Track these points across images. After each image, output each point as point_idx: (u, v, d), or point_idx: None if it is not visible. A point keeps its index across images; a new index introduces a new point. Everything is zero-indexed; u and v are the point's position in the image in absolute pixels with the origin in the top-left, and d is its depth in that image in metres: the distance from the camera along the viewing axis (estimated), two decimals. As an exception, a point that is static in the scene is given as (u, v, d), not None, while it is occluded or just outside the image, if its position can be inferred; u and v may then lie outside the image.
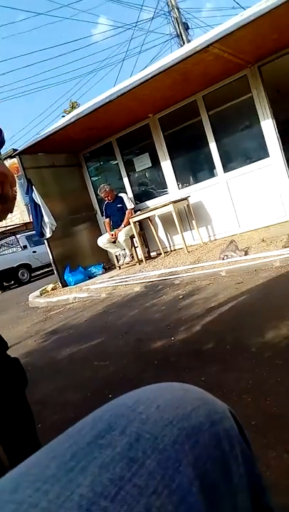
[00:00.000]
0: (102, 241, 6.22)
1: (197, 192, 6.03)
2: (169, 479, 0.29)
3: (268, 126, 5.33)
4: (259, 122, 5.40)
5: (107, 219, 6.35)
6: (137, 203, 6.55)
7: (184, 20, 12.15)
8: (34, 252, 12.12)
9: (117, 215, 6.22)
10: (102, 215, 7.08)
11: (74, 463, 0.29)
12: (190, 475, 0.30)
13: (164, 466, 0.30)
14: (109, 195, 6.22)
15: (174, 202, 5.58)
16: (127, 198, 6.31)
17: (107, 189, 6.19)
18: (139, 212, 6.09)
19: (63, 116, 9.02)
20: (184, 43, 11.59)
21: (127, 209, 6.19)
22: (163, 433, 0.32)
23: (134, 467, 0.29)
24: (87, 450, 0.30)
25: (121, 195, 6.35)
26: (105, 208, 6.40)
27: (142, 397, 0.36)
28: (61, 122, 5.70)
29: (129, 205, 6.23)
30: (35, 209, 6.00)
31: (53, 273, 6.70)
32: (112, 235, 6.19)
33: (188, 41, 11.11)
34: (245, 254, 4.06)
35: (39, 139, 5.87)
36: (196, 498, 0.30)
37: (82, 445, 0.31)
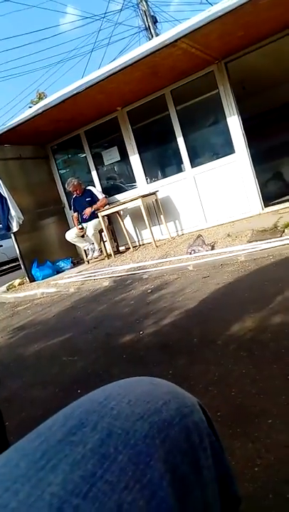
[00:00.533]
0: (71, 235, 6.16)
1: (165, 187, 6.07)
2: (140, 474, 0.29)
3: (234, 123, 5.42)
4: (225, 118, 5.48)
5: (75, 213, 6.29)
6: (105, 197, 6.53)
7: (152, 14, 12.11)
8: (0, 246, 11.83)
9: (84, 209, 6.16)
10: (70, 209, 7.00)
11: (44, 461, 0.28)
12: (161, 469, 0.30)
13: (135, 461, 0.30)
14: (78, 189, 6.16)
15: (143, 196, 5.59)
16: (96, 190, 6.26)
17: (75, 183, 6.11)
18: (107, 207, 6.07)
19: (30, 107, 8.83)
20: (152, 37, 11.55)
21: (97, 200, 6.14)
22: (134, 428, 0.32)
23: (105, 463, 0.29)
24: (58, 448, 0.29)
25: (89, 188, 6.29)
26: (73, 202, 6.33)
27: (113, 392, 0.36)
28: (28, 113, 5.56)
29: (101, 195, 6.19)
30: (1, 202, 5.85)
31: (20, 268, 6.57)
32: (81, 229, 6.14)
33: (157, 35, 11.08)
34: (212, 248, 4.13)
35: (5, 129, 5.72)
36: (166, 492, 0.30)
37: (53, 443, 0.30)
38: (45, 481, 0.26)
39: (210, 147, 5.97)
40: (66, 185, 6.27)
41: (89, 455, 0.29)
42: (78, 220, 6.27)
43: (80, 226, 6.16)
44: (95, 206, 6.04)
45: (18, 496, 0.25)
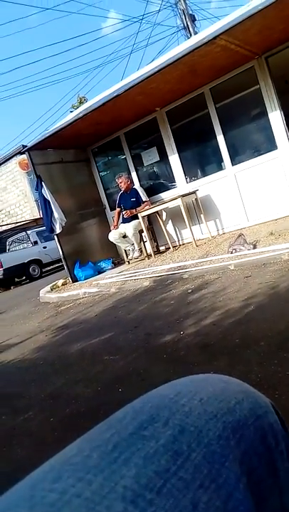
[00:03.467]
0: (114, 236, 6.23)
1: (205, 185, 6.01)
2: (215, 474, 0.28)
3: (276, 118, 5.28)
4: (267, 114, 5.35)
5: (119, 208, 6.34)
6: (148, 200, 6.56)
7: (190, 12, 12.03)
8: (45, 247, 12.19)
9: (129, 208, 6.21)
10: (111, 210, 7.10)
11: (117, 454, 0.28)
12: (237, 471, 0.29)
13: (210, 461, 0.29)
14: (126, 185, 6.23)
15: (182, 196, 5.57)
16: (142, 191, 6.31)
17: (125, 177, 6.19)
18: (147, 207, 6.09)
19: (71, 111, 9.04)
20: (190, 35, 11.48)
21: (142, 202, 6.19)
22: (207, 427, 0.31)
23: (179, 460, 0.28)
24: (130, 441, 0.29)
25: (136, 187, 6.35)
26: (119, 198, 6.39)
27: (184, 389, 0.35)
28: (69, 117, 5.71)
29: (145, 197, 6.24)
30: (45, 205, 6.05)
31: (64, 268, 6.75)
32: (115, 226, 6.23)
33: (196, 33, 11.00)
34: (254, 247, 4.05)
35: (48, 134, 5.90)
36: (244, 495, 0.29)
37: (125, 436, 0.30)
38: (118, 474, 0.26)
39: (251, 144, 5.84)
40: (116, 179, 6.34)
41: (162, 450, 0.28)
42: (118, 218, 6.33)
43: (115, 225, 6.25)
44: (138, 209, 6.08)
45: (91, 486, 0.25)
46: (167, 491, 0.26)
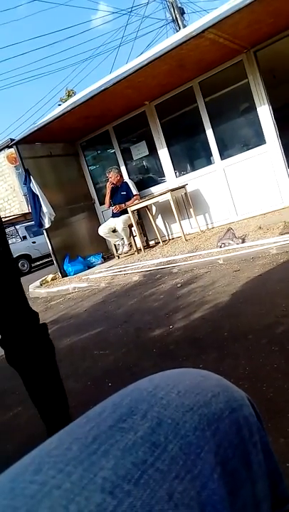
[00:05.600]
0: (104, 230, 6.22)
1: (194, 180, 6.02)
2: (191, 465, 0.29)
3: (265, 113, 5.30)
4: (255, 108, 5.36)
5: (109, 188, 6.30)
6: (138, 195, 6.55)
7: (179, 5, 11.96)
8: (34, 242, 12.12)
9: (118, 202, 6.19)
10: (101, 205, 7.07)
11: (96, 446, 0.29)
12: (212, 462, 0.30)
13: (186, 452, 0.29)
14: (116, 179, 6.20)
15: (172, 190, 5.57)
16: (132, 185, 6.29)
17: (116, 171, 6.17)
18: (136, 201, 6.09)
19: (60, 104, 8.96)
20: (179, 28, 11.42)
21: (132, 196, 6.18)
22: (184, 419, 0.32)
23: (156, 452, 0.29)
24: (109, 433, 0.30)
25: (127, 181, 6.33)
26: (110, 191, 6.37)
27: (161, 382, 0.36)
28: (58, 111, 5.66)
29: (135, 191, 6.23)
30: (33, 199, 5.99)
31: (53, 263, 6.72)
32: (108, 203, 6.23)
33: (184, 26, 10.95)
34: (243, 241, 4.07)
35: (36, 128, 5.84)
36: (217, 485, 0.30)
37: (104, 428, 0.30)
38: (97, 465, 0.27)
39: (240, 138, 5.86)
40: (106, 173, 6.31)
41: (140, 442, 0.29)
42: (110, 202, 6.29)
43: (109, 200, 6.26)
44: (127, 203, 6.07)
45: (71, 477, 0.26)
46: (144, 481, 0.27)
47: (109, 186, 6.27)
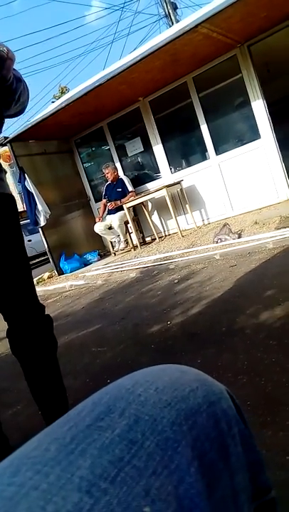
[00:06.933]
0: (99, 227, 6.20)
1: (190, 176, 6.01)
2: (168, 460, 0.29)
3: (259, 107, 5.29)
4: (250, 103, 5.36)
5: (105, 200, 6.30)
6: (134, 191, 6.54)
7: (172, 0, 11.90)
8: (29, 240, 12.06)
9: (114, 199, 6.17)
10: (96, 202, 7.06)
11: (74, 445, 0.29)
12: (189, 455, 0.30)
13: (162, 447, 0.30)
14: (112, 176, 6.18)
15: (167, 186, 5.56)
16: (128, 181, 6.27)
17: (112, 167, 6.15)
18: (132, 198, 6.07)
19: (53, 101, 8.90)
20: (172, 24, 11.37)
21: (128, 192, 6.16)
22: (161, 415, 0.32)
23: (133, 449, 0.29)
24: (87, 432, 0.30)
25: (122, 177, 6.31)
26: (106, 189, 6.36)
27: (141, 379, 0.36)
28: (51, 108, 5.62)
29: (131, 188, 6.21)
30: (28, 197, 5.96)
31: (49, 261, 6.71)
32: (99, 218, 6.21)
33: (177, 21, 10.90)
34: (239, 237, 4.08)
35: (30, 125, 5.80)
36: (195, 478, 0.30)
37: (82, 428, 0.31)
38: (74, 465, 0.27)
39: (234, 133, 5.86)
40: (103, 168, 6.30)
41: (117, 440, 0.29)
42: (104, 209, 6.29)
43: (100, 216, 6.23)
44: (123, 200, 6.05)
45: (48, 478, 0.26)
46: (121, 479, 0.27)
47: (104, 203, 6.29)
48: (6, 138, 6.17)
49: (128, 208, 5.89)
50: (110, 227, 6.16)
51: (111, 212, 6.16)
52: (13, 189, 16.09)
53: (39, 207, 5.92)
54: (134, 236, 6.12)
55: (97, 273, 5.17)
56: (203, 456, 0.32)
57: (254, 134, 5.43)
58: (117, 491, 0.26)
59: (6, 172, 1.43)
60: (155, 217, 6.49)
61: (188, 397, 0.34)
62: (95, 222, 6.34)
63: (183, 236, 5.57)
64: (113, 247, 6.32)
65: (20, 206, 14.92)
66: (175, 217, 5.56)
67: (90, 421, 0.31)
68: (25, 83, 1.31)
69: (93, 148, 7.52)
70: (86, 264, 6.33)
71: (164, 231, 6.51)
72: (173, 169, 6.27)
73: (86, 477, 0.26)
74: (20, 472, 0.27)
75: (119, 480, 0.27)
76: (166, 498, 0.27)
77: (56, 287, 5.36)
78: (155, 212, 6.47)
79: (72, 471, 0.27)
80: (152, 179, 6.51)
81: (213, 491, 0.31)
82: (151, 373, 0.38)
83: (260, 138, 5.37)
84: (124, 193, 6.17)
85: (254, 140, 5.42)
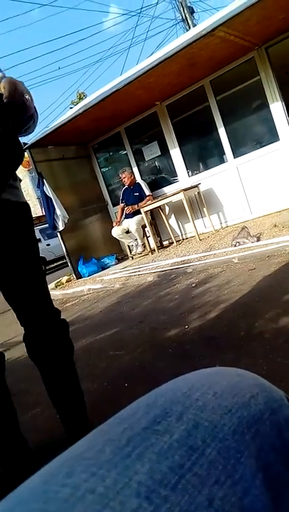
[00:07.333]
0: (117, 231, 6.23)
1: (207, 179, 5.99)
2: (231, 469, 0.28)
3: (277, 109, 5.24)
4: (268, 105, 5.31)
5: (122, 204, 6.34)
6: (151, 195, 6.55)
7: (189, 4, 11.92)
8: (48, 245, 12.21)
9: (131, 203, 6.20)
10: (114, 206, 7.10)
11: (130, 448, 0.28)
12: (253, 466, 0.29)
13: (225, 456, 0.28)
14: (129, 180, 6.21)
15: (185, 190, 5.55)
16: (145, 185, 6.29)
17: (128, 172, 6.19)
18: (149, 202, 6.09)
19: (71, 107, 9.01)
20: (189, 28, 11.39)
21: (145, 196, 6.18)
22: (222, 422, 0.30)
23: (194, 456, 0.27)
24: (144, 436, 0.29)
25: (139, 182, 6.33)
26: (123, 193, 6.40)
27: (197, 382, 0.35)
28: (69, 114, 5.69)
29: (148, 192, 6.23)
30: (47, 202, 6.04)
31: (67, 265, 6.77)
32: (117, 223, 6.23)
33: (194, 25, 10.91)
34: (258, 240, 4.03)
35: (48, 131, 5.88)
36: (260, 491, 0.28)
37: (138, 430, 0.29)
38: (131, 469, 0.26)
39: (253, 136, 5.81)
40: (120, 173, 6.34)
41: (176, 446, 0.28)
42: (122, 214, 6.33)
43: (118, 221, 6.25)
44: (140, 204, 6.07)
45: (105, 481, 0.25)
46: (182, 487, 0.25)
47: (121, 208, 6.33)
48: (25, 144, 6.26)
49: (145, 212, 5.90)
50: (128, 231, 6.18)
51: (128, 216, 6.19)
52: (32, 194, 16.33)
53: (57, 211, 5.99)
54: (151, 240, 6.12)
55: (114, 277, 5.19)
56: (268, 467, 0.30)
57: (273, 136, 5.38)
58: (178, 499, 0.25)
59: (21, 180, 1.46)
60: (172, 220, 6.48)
61: (250, 403, 0.33)
62: (113, 227, 6.37)
63: (200, 240, 5.55)
64: (130, 250, 6.34)
65: (39, 211, 15.16)
66: (192, 220, 5.54)
67: (146, 423, 0.30)
68: (36, 115, 1.35)
69: (111, 153, 7.58)
70: (104, 268, 6.36)
71: (182, 235, 6.49)
72: (190, 173, 6.26)
73: (145, 482, 0.25)
74: (74, 473, 0.26)
75: (180, 487, 0.25)
76: (230, 509, 0.26)
77: (74, 291, 5.40)
78: (172, 215, 6.47)
79: (129, 475, 0.25)
80: (169, 183, 6.51)
81: (279, 506, 0.30)
82: (207, 376, 0.36)
83: (279, 140, 5.31)
84: (142, 197, 6.19)
85: (273, 142, 5.37)
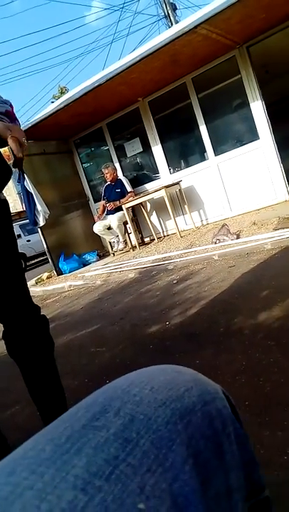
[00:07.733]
0: (98, 228, 6.20)
1: (189, 176, 6.02)
2: (162, 458, 0.30)
3: (258, 108, 5.30)
4: (248, 104, 5.37)
5: (104, 201, 6.31)
6: (133, 192, 6.54)
7: (171, 1, 11.91)
8: (28, 240, 12.06)
9: (113, 199, 6.18)
10: (95, 202, 7.06)
11: (69, 445, 0.29)
12: (183, 454, 0.31)
13: (157, 446, 0.30)
14: (112, 176, 6.18)
15: (166, 187, 5.57)
16: (127, 182, 6.27)
17: (111, 168, 6.15)
18: (131, 198, 6.08)
19: (53, 101, 8.90)
20: (172, 24, 11.38)
21: (127, 193, 6.17)
22: (156, 414, 0.32)
23: (128, 447, 0.29)
24: (82, 432, 0.30)
25: (121, 178, 6.31)
26: (104, 190, 6.36)
27: (136, 379, 0.37)
28: (50, 108, 5.62)
29: (129, 188, 6.21)
30: (27, 197, 5.95)
31: (48, 261, 6.70)
32: (99, 216, 6.21)
33: (177, 22, 10.91)
34: (237, 237, 4.09)
35: (29, 125, 5.80)
36: (189, 476, 0.30)
37: (77, 428, 0.31)
38: (69, 464, 0.28)
39: (233, 134, 5.86)
40: (102, 169, 6.30)
41: (112, 439, 0.30)
42: (104, 209, 6.29)
43: (99, 216, 6.24)
44: (122, 200, 6.05)
45: (43, 477, 0.27)
46: (116, 477, 0.27)
47: (103, 205, 6.30)
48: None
49: (127, 209, 5.90)
50: (109, 228, 6.16)
51: (110, 212, 6.16)
52: (13, 189, 16.08)
53: (38, 207, 5.91)
54: (132, 236, 6.12)
55: (96, 273, 5.18)
56: (197, 454, 0.32)
57: (253, 135, 5.44)
58: (112, 488, 0.26)
59: None
60: (154, 217, 6.50)
61: (183, 396, 0.35)
62: (94, 223, 6.34)
63: (182, 236, 5.58)
64: (112, 247, 6.32)
65: (20, 206, 14.95)
66: (174, 217, 5.57)
67: (85, 421, 0.32)
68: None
69: (92, 149, 7.52)
70: (85, 264, 6.33)
71: (163, 231, 6.52)
72: (172, 170, 6.28)
73: (81, 475, 0.27)
74: (15, 472, 0.28)
75: (113, 477, 0.27)
76: (160, 495, 0.28)
77: (55, 287, 5.36)
78: (154, 212, 6.48)
79: (67, 470, 0.27)
80: (151, 180, 6.52)
81: (208, 489, 0.32)
82: (146, 374, 0.39)
83: (258, 139, 5.38)
84: (123, 193, 6.18)
85: (253, 141, 5.43)
